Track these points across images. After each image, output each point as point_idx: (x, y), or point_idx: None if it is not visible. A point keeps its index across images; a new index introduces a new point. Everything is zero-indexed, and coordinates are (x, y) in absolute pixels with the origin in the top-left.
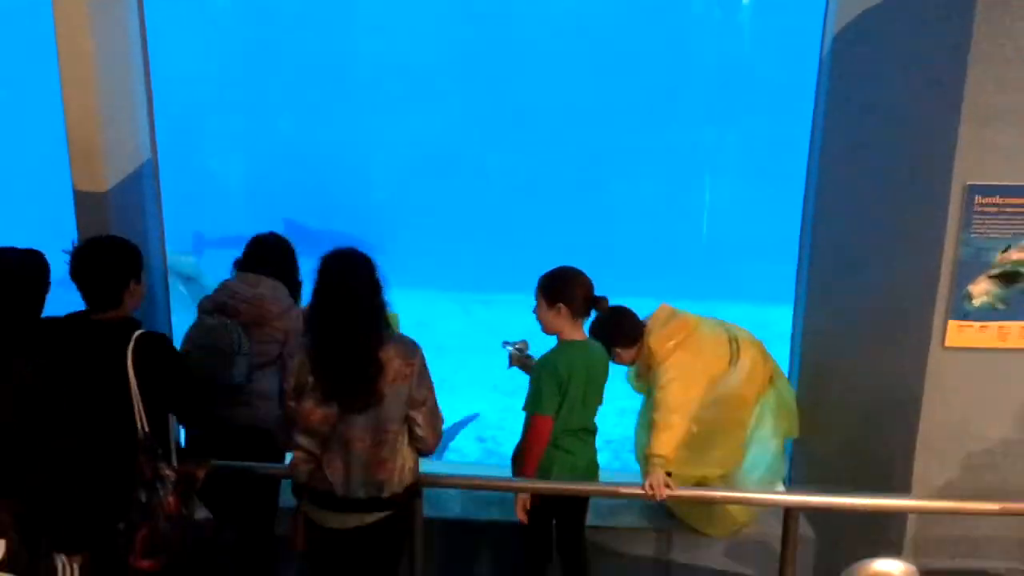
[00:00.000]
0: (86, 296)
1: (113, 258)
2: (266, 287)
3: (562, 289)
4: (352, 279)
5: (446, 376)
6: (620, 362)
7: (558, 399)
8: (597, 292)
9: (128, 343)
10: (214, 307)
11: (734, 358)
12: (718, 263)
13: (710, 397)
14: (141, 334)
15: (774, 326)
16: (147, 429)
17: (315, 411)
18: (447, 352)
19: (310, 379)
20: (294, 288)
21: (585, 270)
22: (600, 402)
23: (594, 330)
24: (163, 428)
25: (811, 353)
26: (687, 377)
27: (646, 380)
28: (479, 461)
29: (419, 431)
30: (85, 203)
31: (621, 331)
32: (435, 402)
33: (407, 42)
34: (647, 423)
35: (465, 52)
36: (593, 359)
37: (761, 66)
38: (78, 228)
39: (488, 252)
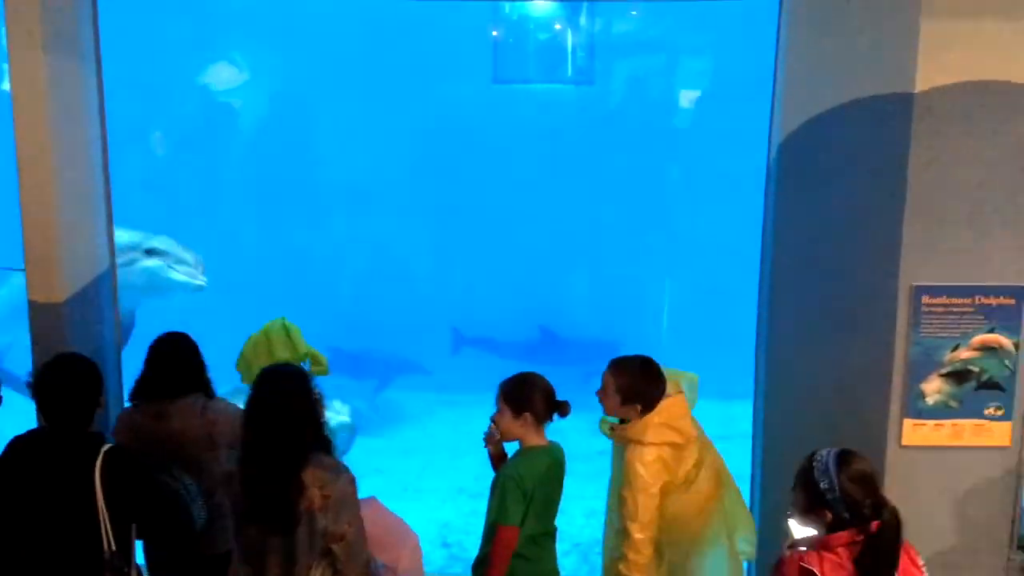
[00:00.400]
0: (52, 415)
1: (85, 379)
2: (176, 415)
3: (528, 396)
4: (277, 394)
5: (410, 481)
6: (608, 408)
7: (523, 508)
8: (557, 395)
9: (96, 458)
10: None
11: (697, 471)
12: (678, 360)
13: (669, 512)
14: (109, 449)
15: (736, 423)
16: (114, 548)
17: (246, 528)
18: (413, 454)
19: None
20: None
21: (544, 369)
22: (559, 500)
23: (626, 371)
24: (127, 547)
25: (772, 451)
26: (651, 488)
27: (616, 438)
28: (442, 570)
29: (339, 566)
30: (41, 314)
31: (645, 396)
32: (360, 538)
33: None
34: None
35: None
36: (555, 462)
37: (713, 164)
38: (32, 335)
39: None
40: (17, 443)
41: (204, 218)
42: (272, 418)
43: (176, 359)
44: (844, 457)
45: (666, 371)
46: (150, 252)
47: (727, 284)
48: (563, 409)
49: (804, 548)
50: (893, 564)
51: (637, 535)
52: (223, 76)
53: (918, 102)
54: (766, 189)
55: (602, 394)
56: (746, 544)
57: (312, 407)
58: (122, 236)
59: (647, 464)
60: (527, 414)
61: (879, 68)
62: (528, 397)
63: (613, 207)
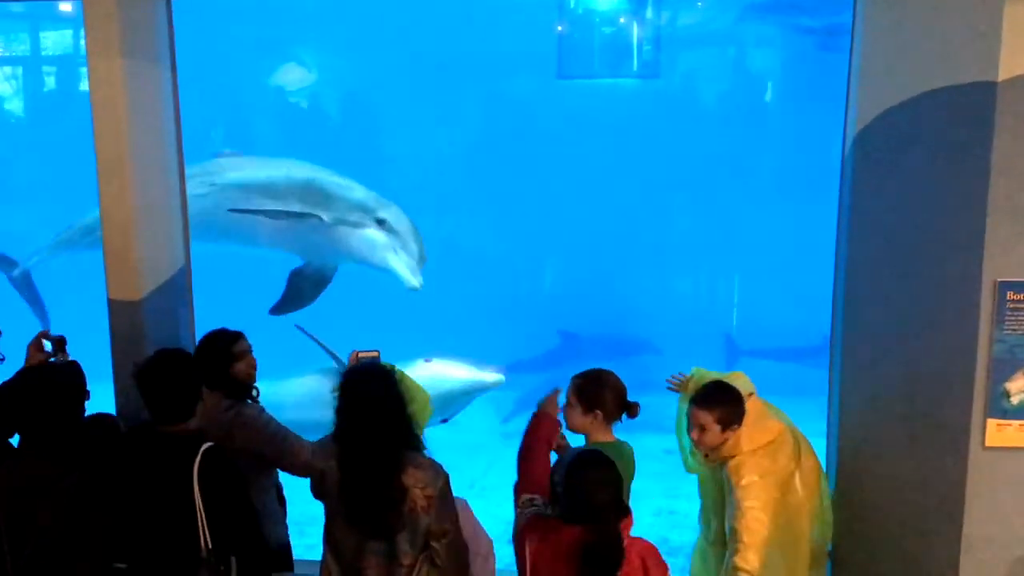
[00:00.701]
0: (156, 408)
1: (187, 371)
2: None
3: (599, 395)
4: (373, 399)
5: (476, 478)
6: (702, 443)
7: None
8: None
9: (195, 457)
10: None
11: (797, 462)
12: (749, 359)
13: (782, 516)
14: (208, 448)
15: (806, 424)
16: (210, 546)
17: (341, 529)
18: (479, 451)
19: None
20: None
21: (613, 367)
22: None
23: (718, 404)
24: (224, 545)
25: (847, 453)
26: (765, 498)
27: (709, 466)
28: (508, 567)
29: (439, 562)
30: (120, 311)
31: (740, 415)
32: (459, 533)
33: None
34: (712, 536)
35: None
36: (623, 461)
37: (785, 158)
38: (112, 335)
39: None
40: (124, 438)
41: None
42: (364, 422)
43: (202, 359)
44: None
45: (718, 377)
46: (380, 223)
47: (801, 281)
48: (632, 410)
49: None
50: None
51: (751, 554)
52: (292, 76)
53: (1002, 91)
54: (841, 183)
55: (700, 434)
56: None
57: (402, 406)
58: (356, 192)
59: (749, 487)
60: (598, 411)
61: (960, 56)
62: (599, 395)
63: (681, 203)
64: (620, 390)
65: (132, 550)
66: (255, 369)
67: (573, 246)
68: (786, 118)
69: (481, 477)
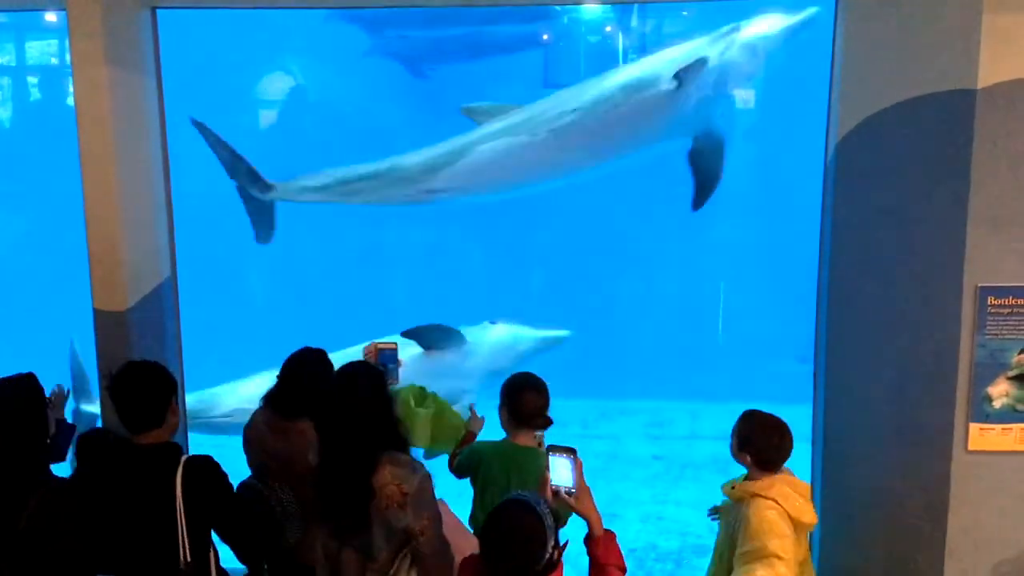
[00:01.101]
0: (128, 417)
1: (155, 379)
2: (293, 434)
3: (510, 395)
4: (350, 397)
5: (466, 486)
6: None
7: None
8: (614, 396)
9: (176, 468)
10: (253, 473)
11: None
12: (732, 363)
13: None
14: (189, 458)
15: (793, 427)
16: (189, 559)
17: (319, 528)
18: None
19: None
20: None
21: (596, 373)
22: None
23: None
24: (204, 559)
25: (832, 458)
26: (785, 531)
27: (736, 495)
28: None
29: (421, 560)
30: (105, 322)
31: (759, 447)
32: (439, 531)
33: None
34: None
35: None
36: (521, 465)
37: (768, 164)
38: (97, 345)
39: None
40: (95, 449)
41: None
42: (343, 419)
43: (303, 381)
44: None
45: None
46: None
47: (785, 287)
48: (537, 423)
49: None
50: None
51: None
52: (278, 86)
53: (981, 98)
54: (824, 189)
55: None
56: None
57: (384, 407)
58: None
59: (773, 520)
60: (504, 411)
61: (939, 63)
62: (510, 396)
63: (664, 210)
64: (531, 402)
65: (112, 563)
66: None
67: (557, 250)
68: (771, 124)
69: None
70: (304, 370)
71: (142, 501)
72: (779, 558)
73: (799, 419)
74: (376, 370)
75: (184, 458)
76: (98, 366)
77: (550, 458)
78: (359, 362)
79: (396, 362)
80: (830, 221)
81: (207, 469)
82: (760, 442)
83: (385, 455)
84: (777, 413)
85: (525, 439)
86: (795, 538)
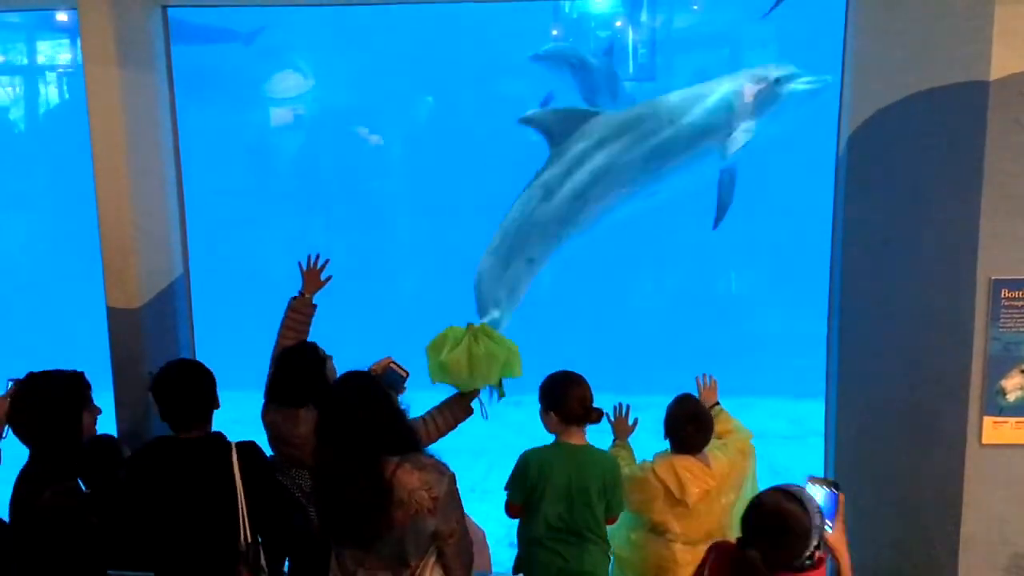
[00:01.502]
0: (176, 415)
1: (199, 376)
2: (305, 421)
3: (555, 396)
4: (345, 409)
5: (477, 481)
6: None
7: (523, 491)
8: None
9: (230, 454)
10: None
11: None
12: (747, 358)
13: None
14: (240, 444)
15: (807, 422)
16: (250, 539)
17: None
18: (481, 454)
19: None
20: None
21: (611, 367)
22: (606, 509)
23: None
24: (257, 541)
25: (846, 451)
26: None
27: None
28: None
29: (446, 562)
30: (119, 320)
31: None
32: (465, 532)
33: None
34: None
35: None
36: (581, 466)
37: (780, 157)
38: (111, 344)
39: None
40: (149, 450)
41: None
42: (341, 436)
43: (305, 370)
44: None
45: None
46: None
47: (797, 282)
48: (592, 417)
49: None
50: None
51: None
52: (288, 84)
53: (994, 90)
54: (836, 182)
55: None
56: None
57: (386, 416)
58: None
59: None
60: (551, 412)
61: (952, 56)
62: (554, 395)
63: (676, 207)
64: (577, 396)
65: (165, 556)
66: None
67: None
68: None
69: (482, 480)
70: (296, 360)
71: (205, 492)
72: None
73: (812, 414)
74: (370, 379)
75: (236, 443)
76: (112, 364)
77: (808, 486)
78: (355, 373)
79: (399, 389)
80: (842, 214)
81: (257, 453)
82: (682, 432)
83: (406, 459)
84: (790, 408)
85: (578, 438)
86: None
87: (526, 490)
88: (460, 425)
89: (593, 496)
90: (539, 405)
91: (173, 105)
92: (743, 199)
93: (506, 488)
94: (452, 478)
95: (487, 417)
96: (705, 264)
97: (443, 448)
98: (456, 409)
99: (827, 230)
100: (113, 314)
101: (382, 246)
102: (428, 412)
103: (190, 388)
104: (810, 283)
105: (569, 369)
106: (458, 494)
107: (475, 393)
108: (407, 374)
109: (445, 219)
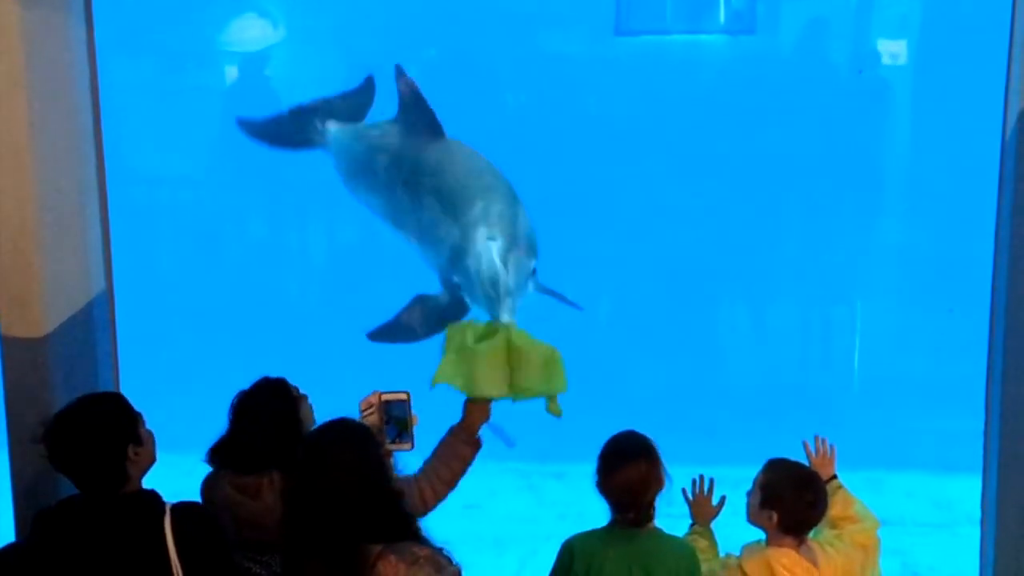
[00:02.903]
0: (80, 480)
1: (101, 422)
2: (268, 489)
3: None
4: (334, 466)
5: None
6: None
7: None
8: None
9: (163, 518)
10: None
11: None
12: (873, 417)
13: None
14: (176, 506)
15: (957, 505)
16: None
17: None
18: (509, 544)
19: None
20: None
21: (689, 427)
22: None
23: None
24: None
25: (1012, 544)
26: None
27: None
28: None
29: None
30: (16, 352)
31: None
32: None
33: None
34: None
35: None
36: (646, 556)
37: (928, 149)
38: (5, 383)
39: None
40: (54, 517)
41: None
42: (314, 511)
43: (272, 421)
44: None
45: None
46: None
47: (943, 313)
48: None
49: None
50: None
51: None
52: (251, 33)
53: None
54: (1001, 172)
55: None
56: None
57: (374, 488)
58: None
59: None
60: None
61: None
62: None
63: (781, 194)
64: (631, 478)
65: None
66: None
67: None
68: (930, 94)
69: None
70: (257, 406)
71: (130, 561)
72: None
73: (964, 492)
74: (358, 430)
75: (170, 505)
76: (7, 409)
77: None
78: (332, 423)
79: (408, 418)
80: (1009, 213)
81: (202, 520)
82: (791, 498)
83: (391, 548)
84: (934, 486)
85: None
86: None
87: None
88: (483, 502)
89: None
90: (594, 477)
91: (93, 58)
92: (863, 207)
93: None
94: (455, 574)
95: (513, 444)
96: (817, 290)
97: (456, 534)
98: (457, 445)
99: (986, 243)
100: (8, 345)
101: (365, 243)
102: (421, 469)
103: (90, 439)
104: (963, 315)
105: (634, 429)
106: None
107: (484, 415)
108: (408, 395)
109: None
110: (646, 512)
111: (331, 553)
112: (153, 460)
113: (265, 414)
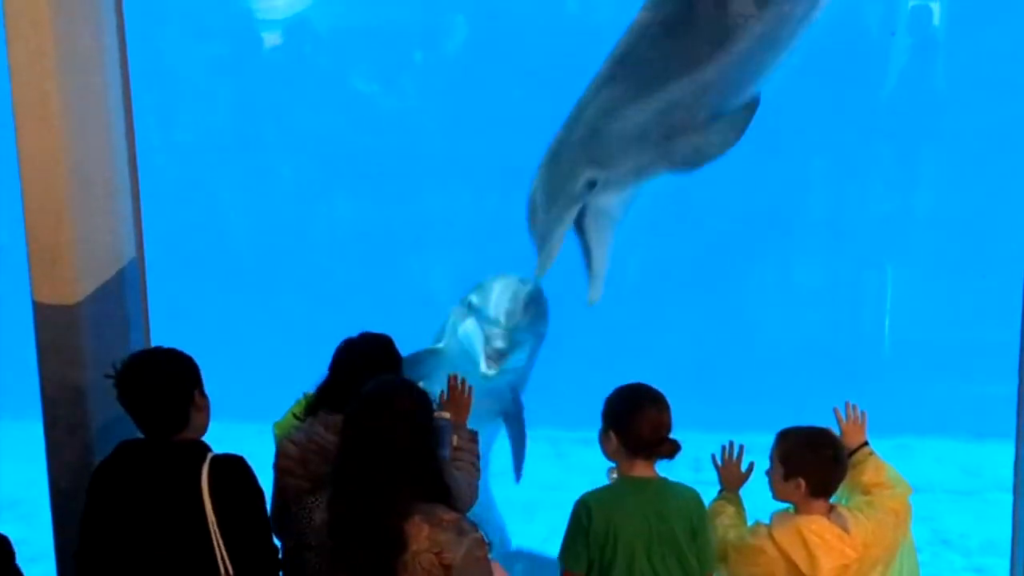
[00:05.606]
0: (144, 421)
1: (170, 370)
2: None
3: (620, 415)
4: (382, 423)
5: (535, 544)
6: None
7: (585, 550)
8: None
9: (201, 469)
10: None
11: None
12: (904, 383)
13: None
14: (216, 457)
15: (988, 471)
16: (231, 570)
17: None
18: (538, 510)
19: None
20: None
21: (714, 392)
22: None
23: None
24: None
25: None
26: None
27: None
28: None
29: None
30: (49, 319)
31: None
32: None
33: None
34: None
35: None
36: (658, 502)
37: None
38: (38, 350)
39: (588, 375)
40: (118, 457)
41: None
42: (368, 449)
43: (369, 367)
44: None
45: None
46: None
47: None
48: (663, 450)
49: None
50: None
51: None
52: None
53: None
54: None
55: None
56: None
57: (423, 442)
58: None
59: None
60: (612, 433)
61: None
62: (619, 415)
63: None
64: (653, 420)
65: None
66: None
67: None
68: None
69: (538, 550)
70: (360, 360)
71: (169, 513)
72: None
73: (994, 458)
74: (417, 388)
75: (210, 456)
76: (40, 377)
77: None
78: (391, 379)
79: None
80: None
81: (239, 472)
82: (813, 460)
83: (419, 509)
84: (965, 452)
85: (642, 470)
86: None
87: (591, 549)
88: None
89: (682, 542)
90: (605, 427)
91: (122, 28)
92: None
93: (561, 556)
94: (477, 542)
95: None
96: (848, 255)
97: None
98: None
99: (1020, 208)
100: (41, 311)
101: (400, 220)
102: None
103: (160, 383)
104: (995, 280)
105: (650, 384)
106: (487, 565)
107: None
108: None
109: (477, 189)
110: (660, 451)
111: (372, 495)
112: (207, 422)
113: (362, 358)
